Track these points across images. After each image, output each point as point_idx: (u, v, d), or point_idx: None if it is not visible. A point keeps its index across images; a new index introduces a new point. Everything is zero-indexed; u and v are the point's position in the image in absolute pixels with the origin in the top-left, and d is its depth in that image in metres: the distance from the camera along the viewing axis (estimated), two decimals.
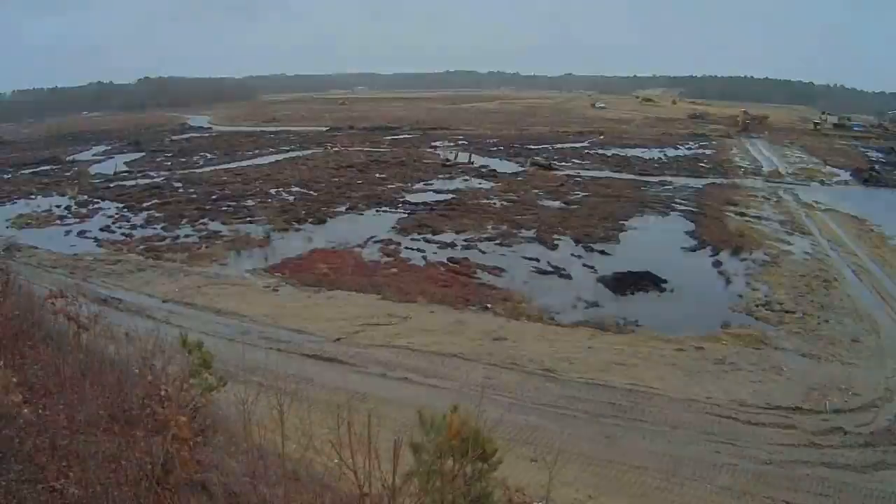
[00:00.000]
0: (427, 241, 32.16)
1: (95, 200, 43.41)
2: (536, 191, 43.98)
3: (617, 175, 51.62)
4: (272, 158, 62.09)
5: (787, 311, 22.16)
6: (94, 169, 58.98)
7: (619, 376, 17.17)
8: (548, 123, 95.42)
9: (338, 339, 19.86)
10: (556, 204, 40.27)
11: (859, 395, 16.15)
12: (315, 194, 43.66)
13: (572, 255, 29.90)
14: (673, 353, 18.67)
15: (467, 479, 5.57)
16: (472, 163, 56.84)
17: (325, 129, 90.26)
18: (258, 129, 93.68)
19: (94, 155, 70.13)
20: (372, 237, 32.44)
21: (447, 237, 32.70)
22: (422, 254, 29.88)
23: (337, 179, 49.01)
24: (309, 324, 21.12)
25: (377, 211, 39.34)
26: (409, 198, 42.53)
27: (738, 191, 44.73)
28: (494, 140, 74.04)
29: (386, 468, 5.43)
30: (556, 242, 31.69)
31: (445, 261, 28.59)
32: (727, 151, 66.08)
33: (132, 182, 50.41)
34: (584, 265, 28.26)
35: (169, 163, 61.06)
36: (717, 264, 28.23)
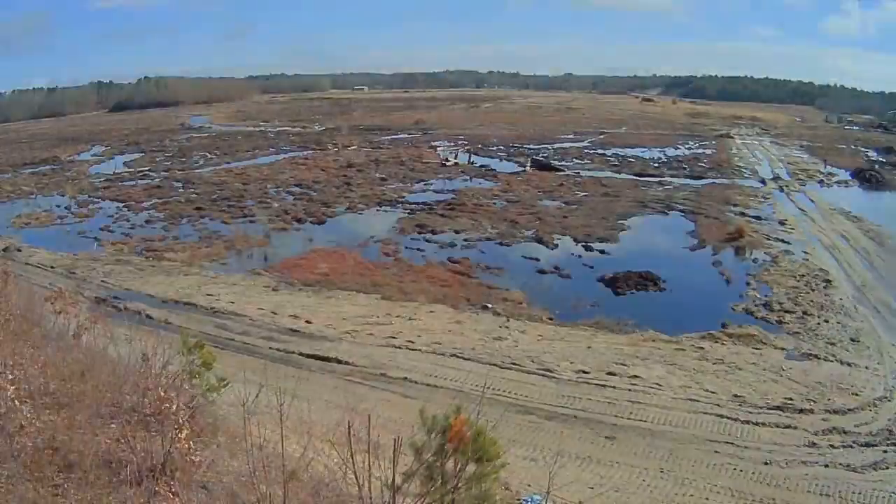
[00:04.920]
0: (427, 240, 32.17)
1: (95, 200, 43.43)
2: (536, 190, 43.98)
3: (617, 175, 51.65)
4: (272, 158, 62.07)
5: (786, 311, 22.17)
6: (93, 169, 58.97)
7: (619, 376, 17.19)
8: (549, 123, 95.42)
9: (337, 339, 19.87)
10: (556, 204, 40.28)
11: (859, 395, 16.17)
12: (315, 194, 43.64)
13: (572, 254, 29.92)
14: (673, 352, 18.69)
15: (469, 479, 5.55)
16: (473, 162, 56.83)
17: (322, 128, 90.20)
18: (258, 128, 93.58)
19: (93, 155, 70.06)
20: (372, 237, 32.45)
21: (447, 237, 32.71)
22: (422, 253, 29.90)
23: (337, 179, 48.98)
24: (308, 323, 21.14)
25: (377, 211, 39.35)
26: (408, 197, 42.52)
27: (737, 190, 44.71)
28: (494, 140, 74.02)
29: (386, 467, 5.43)
30: (555, 242, 31.70)
31: (445, 260, 28.60)
32: (727, 151, 66.10)
33: (132, 182, 50.41)
34: (584, 265, 28.27)
35: (168, 163, 61.01)
36: (717, 264, 28.25)
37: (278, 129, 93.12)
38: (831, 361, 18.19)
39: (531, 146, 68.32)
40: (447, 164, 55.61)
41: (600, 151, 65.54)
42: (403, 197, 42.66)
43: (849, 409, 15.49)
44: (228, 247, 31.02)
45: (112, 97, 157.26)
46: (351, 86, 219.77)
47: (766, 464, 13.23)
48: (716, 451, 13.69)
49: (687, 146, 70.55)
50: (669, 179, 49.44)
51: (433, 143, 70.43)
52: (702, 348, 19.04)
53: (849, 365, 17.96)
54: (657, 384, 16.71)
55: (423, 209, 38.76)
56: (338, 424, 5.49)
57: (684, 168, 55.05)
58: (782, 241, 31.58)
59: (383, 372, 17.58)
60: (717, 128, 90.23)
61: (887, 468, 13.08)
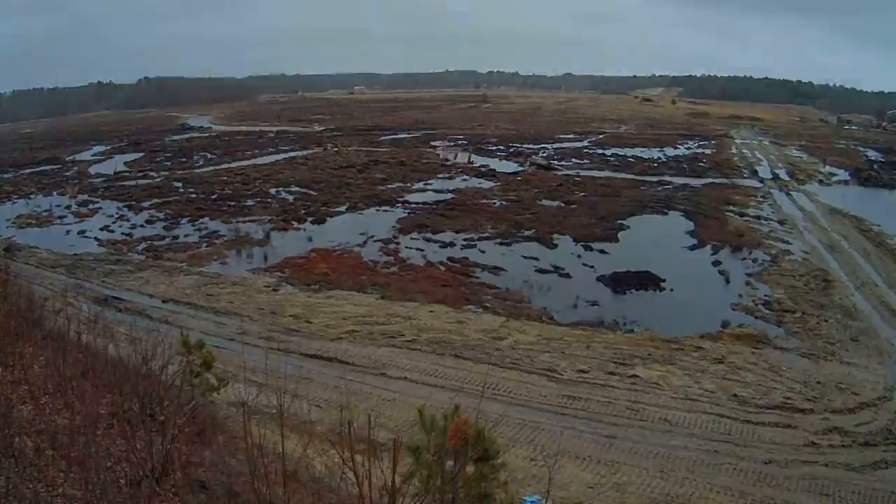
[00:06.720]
0: (427, 240, 32.18)
1: (95, 200, 43.42)
2: (536, 190, 43.97)
3: (616, 174, 51.62)
4: (272, 158, 62.03)
5: (786, 311, 22.18)
6: (93, 169, 58.93)
7: (619, 376, 17.19)
8: (548, 123, 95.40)
9: (337, 339, 19.87)
10: (556, 203, 40.28)
11: (858, 395, 16.18)
12: (315, 194, 43.63)
13: (572, 254, 29.92)
14: (672, 352, 18.69)
15: (469, 479, 5.55)
16: (472, 162, 56.84)
17: (322, 129, 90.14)
18: (257, 128, 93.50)
19: (93, 155, 70.00)
20: (372, 237, 32.45)
21: (447, 237, 32.71)
22: (422, 253, 29.90)
23: (337, 179, 48.98)
24: (309, 323, 21.14)
25: (377, 210, 39.35)
26: (408, 197, 42.52)
27: (737, 190, 44.72)
28: (494, 140, 74.00)
29: (386, 468, 5.43)
30: (555, 242, 31.71)
31: (445, 260, 28.61)
32: (726, 151, 66.10)
33: (132, 182, 50.39)
34: (584, 264, 28.28)
35: (169, 163, 60.99)
36: (717, 264, 28.25)
37: (278, 129, 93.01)
38: (831, 361, 18.20)
39: (531, 146, 68.32)
40: (447, 164, 55.63)
41: (600, 151, 65.53)
42: (403, 197, 42.66)
43: (849, 409, 15.50)
44: (228, 247, 31.01)
45: (113, 97, 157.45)
46: (351, 86, 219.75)
47: (766, 463, 13.23)
48: (716, 451, 13.70)
49: (687, 146, 70.54)
50: (669, 179, 49.40)
51: (433, 144, 70.39)
52: (701, 348, 19.04)
53: (848, 364, 17.97)
54: (657, 384, 16.71)
55: (422, 209, 38.76)
56: (338, 424, 5.49)
57: (684, 168, 55.04)
58: (782, 240, 31.59)
59: (383, 372, 17.59)
60: (716, 128, 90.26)
61: (887, 468, 13.09)
